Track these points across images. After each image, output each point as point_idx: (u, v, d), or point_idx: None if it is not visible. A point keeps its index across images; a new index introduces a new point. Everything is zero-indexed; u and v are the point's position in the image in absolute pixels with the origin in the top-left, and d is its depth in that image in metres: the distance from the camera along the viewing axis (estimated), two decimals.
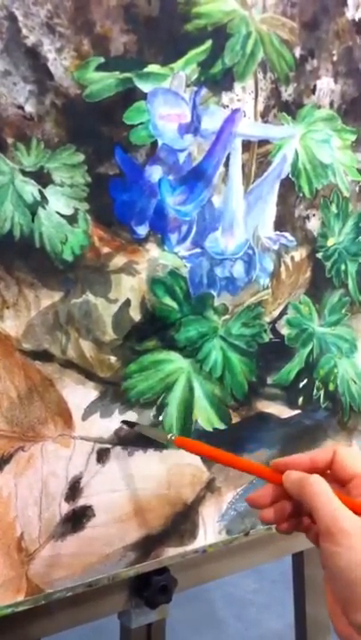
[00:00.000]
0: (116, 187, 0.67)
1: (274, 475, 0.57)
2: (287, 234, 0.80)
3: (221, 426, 0.78)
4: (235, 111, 0.73)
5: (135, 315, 0.71)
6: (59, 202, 0.64)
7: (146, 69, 0.67)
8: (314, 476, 0.53)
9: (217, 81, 0.72)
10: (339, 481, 0.55)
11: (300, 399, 0.85)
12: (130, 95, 0.66)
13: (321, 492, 0.51)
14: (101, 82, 0.65)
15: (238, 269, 0.77)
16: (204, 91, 0.71)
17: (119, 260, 0.69)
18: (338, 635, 0.50)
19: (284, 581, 1.99)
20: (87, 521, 0.70)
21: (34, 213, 0.62)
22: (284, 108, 0.77)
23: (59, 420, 0.67)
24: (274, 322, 0.81)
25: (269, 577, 2.19)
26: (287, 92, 0.77)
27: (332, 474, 0.56)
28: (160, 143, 0.69)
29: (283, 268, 0.81)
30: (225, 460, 0.62)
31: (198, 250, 0.74)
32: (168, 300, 0.73)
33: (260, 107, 0.75)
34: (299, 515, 0.57)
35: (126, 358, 0.71)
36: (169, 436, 0.66)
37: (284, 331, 0.82)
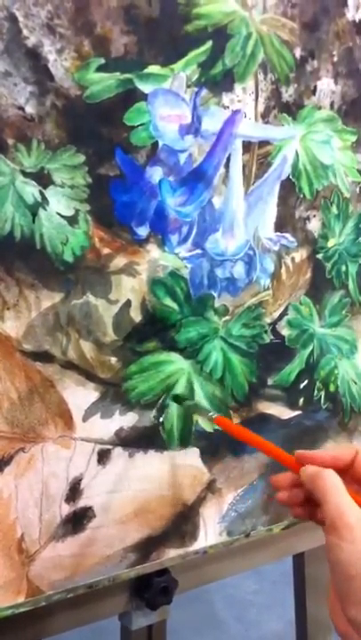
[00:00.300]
0: (117, 188, 0.67)
1: (295, 464, 0.59)
2: (288, 235, 0.80)
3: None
4: (235, 112, 0.73)
5: (136, 316, 0.71)
6: (59, 203, 0.64)
7: (146, 70, 0.67)
8: (327, 471, 0.54)
9: (217, 82, 0.72)
10: (358, 480, 0.56)
11: (301, 400, 0.85)
12: (130, 96, 0.66)
13: (331, 486, 0.53)
14: (102, 83, 0.64)
15: (239, 270, 0.77)
16: (205, 92, 0.71)
17: (120, 261, 0.69)
18: (337, 632, 0.51)
19: (284, 582, 1.99)
20: (88, 522, 0.70)
21: (34, 214, 0.62)
22: (285, 108, 0.77)
23: (59, 421, 0.67)
24: (274, 323, 0.81)
25: (270, 578, 2.18)
26: (288, 93, 0.77)
27: (352, 473, 0.57)
28: (160, 144, 0.69)
29: (283, 269, 0.81)
30: (256, 443, 0.64)
31: (199, 251, 0.74)
32: (168, 301, 0.73)
33: (261, 107, 0.75)
34: (315, 505, 0.57)
35: (127, 359, 0.71)
36: (210, 414, 0.69)
37: (285, 332, 0.82)
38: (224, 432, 0.69)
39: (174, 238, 0.72)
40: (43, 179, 0.63)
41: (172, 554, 0.76)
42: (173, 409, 0.74)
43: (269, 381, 0.82)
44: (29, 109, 0.61)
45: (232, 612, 2.13)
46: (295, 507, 0.59)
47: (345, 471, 0.57)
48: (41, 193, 0.63)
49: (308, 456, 0.58)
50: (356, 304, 0.88)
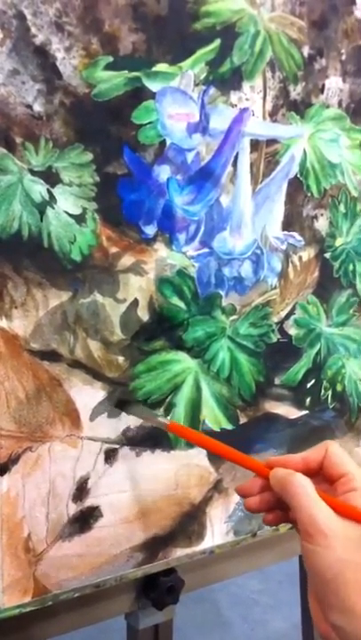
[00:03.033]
0: (125, 186, 0.67)
1: (263, 469, 0.57)
2: (295, 233, 0.80)
3: (229, 426, 0.78)
4: (243, 110, 0.73)
5: (143, 315, 0.70)
6: (67, 201, 0.64)
7: (154, 68, 0.67)
8: (296, 475, 0.53)
9: (225, 80, 0.71)
10: (328, 478, 0.55)
11: (308, 400, 0.85)
12: (138, 94, 0.66)
13: (301, 491, 0.52)
14: (110, 81, 0.64)
15: (246, 269, 0.77)
16: (213, 90, 0.71)
17: (127, 260, 0.69)
18: (318, 632, 0.51)
19: (289, 582, 1.99)
20: (95, 521, 0.70)
21: (42, 213, 0.62)
22: (293, 107, 0.77)
23: (66, 420, 0.67)
24: (282, 322, 0.81)
25: (275, 578, 2.18)
26: (296, 92, 0.77)
27: (322, 472, 0.56)
28: (168, 142, 0.69)
29: (291, 268, 0.81)
30: (217, 449, 0.62)
31: (206, 250, 0.74)
32: (176, 300, 0.73)
33: (269, 106, 0.75)
34: (285, 509, 0.56)
35: (134, 358, 0.70)
36: (164, 421, 0.66)
37: (292, 331, 0.82)
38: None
39: (182, 237, 0.72)
40: (50, 177, 0.62)
41: (178, 553, 0.76)
42: (180, 408, 0.74)
43: (276, 381, 0.82)
44: (37, 107, 0.61)
45: (237, 612, 2.13)
46: (267, 513, 0.57)
47: (318, 471, 0.56)
48: (49, 191, 0.62)
49: (279, 460, 0.57)
50: None
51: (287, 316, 0.82)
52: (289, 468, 0.55)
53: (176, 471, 0.75)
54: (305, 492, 0.52)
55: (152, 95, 0.67)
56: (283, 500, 0.54)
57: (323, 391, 0.86)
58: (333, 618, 0.48)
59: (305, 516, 0.51)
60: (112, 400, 0.69)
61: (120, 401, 0.69)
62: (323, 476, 0.56)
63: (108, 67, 0.64)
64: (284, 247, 0.79)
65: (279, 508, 0.56)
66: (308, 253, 0.82)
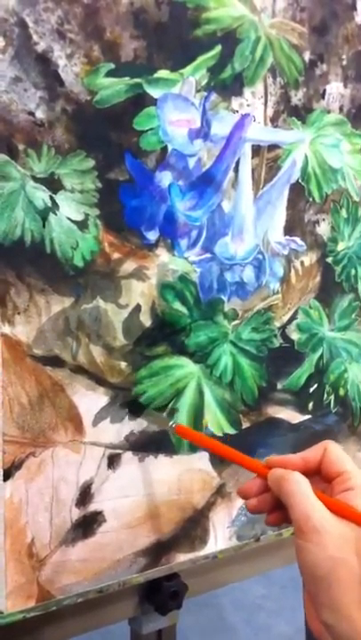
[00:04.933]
0: (127, 192, 0.67)
1: (262, 469, 0.58)
2: (297, 238, 0.80)
3: (232, 431, 0.78)
4: (244, 116, 0.73)
5: (145, 320, 0.71)
6: (69, 207, 0.64)
7: (155, 75, 0.67)
8: (292, 474, 0.54)
9: (226, 86, 0.72)
10: (326, 477, 0.55)
11: (311, 404, 0.85)
12: (140, 101, 0.66)
13: (296, 489, 0.52)
14: (111, 88, 0.65)
15: (248, 274, 0.77)
16: (214, 96, 0.71)
17: (129, 266, 0.69)
18: (311, 629, 0.51)
19: (293, 587, 1.99)
20: (98, 526, 0.70)
21: (45, 219, 0.63)
22: (294, 112, 0.77)
23: (69, 425, 0.67)
24: (284, 327, 0.81)
25: (279, 582, 2.18)
26: (297, 97, 0.77)
27: (321, 471, 0.56)
28: (170, 149, 0.69)
29: (293, 273, 0.81)
30: (219, 450, 0.63)
31: (208, 255, 0.74)
32: (178, 306, 0.73)
33: (270, 111, 0.75)
34: (284, 509, 0.57)
35: (136, 364, 0.71)
36: (170, 423, 0.67)
37: (295, 335, 0.82)
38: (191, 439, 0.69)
39: (184, 242, 0.72)
40: (53, 184, 0.63)
41: (181, 558, 0.76)
42: (183, 413, 0.74)
43: (279, 385, 0.82)
44: (39, 114, 0.61)
45: (241, 617, 2.12)
46: (268, 514, 0.57)
47: (317, 470, 0.56)
48: (51, 198, 0.63)
49: (279, 460, 0.57)
50: None
51: (289, 321, 0.82)
52: (288, 467, 0.56)
53: (179, 476, 0.75)
54: (300, 489, 0.52)
55: (153, 101, 0.67)
56: (280, 498, 0.54)
57: (325, 395, 0.86)
58: (325, 616, 0.48)
59: (299, 514, 0.51)
60: (115, 405, 0.70)
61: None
62: (322, 476, 0.56)
63: (110, 73, 0.64)
64: (285, 252, 0.79)
65: (279, 509, 0.56)
66: (309, 258, 0.82)
